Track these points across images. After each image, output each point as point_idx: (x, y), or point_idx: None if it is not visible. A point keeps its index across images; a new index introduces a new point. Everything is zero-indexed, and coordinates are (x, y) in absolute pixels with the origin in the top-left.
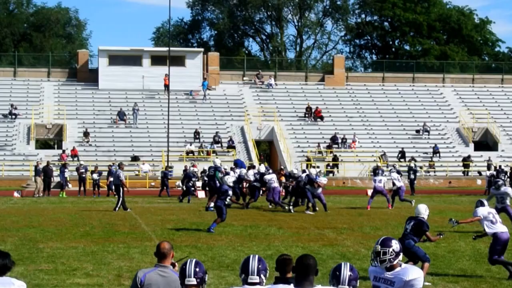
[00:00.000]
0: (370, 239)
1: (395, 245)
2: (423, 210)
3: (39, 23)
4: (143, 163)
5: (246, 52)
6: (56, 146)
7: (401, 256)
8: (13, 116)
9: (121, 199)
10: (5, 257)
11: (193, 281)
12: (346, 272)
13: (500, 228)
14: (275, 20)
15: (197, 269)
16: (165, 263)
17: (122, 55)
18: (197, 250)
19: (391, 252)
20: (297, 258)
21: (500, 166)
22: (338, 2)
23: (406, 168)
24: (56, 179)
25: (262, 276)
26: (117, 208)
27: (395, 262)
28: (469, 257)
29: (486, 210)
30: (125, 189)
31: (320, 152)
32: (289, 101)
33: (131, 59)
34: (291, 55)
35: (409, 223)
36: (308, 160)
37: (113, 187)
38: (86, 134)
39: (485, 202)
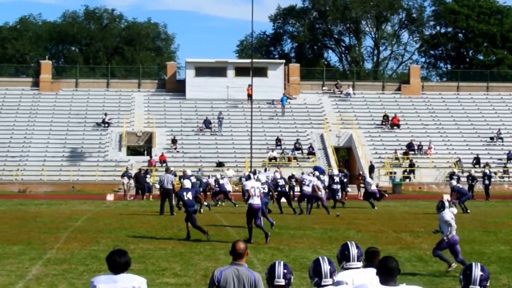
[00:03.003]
0: None
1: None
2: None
3: (130, 38)
4: (228, 169)
5: (325, 63)
6: (145, 153)
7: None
8: (106, 125)
9: (173, 202)
10: (125, 254)
11: (282, 281)
12: (477, 272)
13: None
14: (353, 32)
15: (285, 271)
16: (240, 261)
17: (208, 67)
18: (280, 252)
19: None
20: (380, 260)
21: None
22: (414, 15)
23: (481, 174)
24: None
25: (333, 277)
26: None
27: None
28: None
29: None
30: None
31: (397, 159)
32: (367, 110)
33: (216, 70)
34: (368, 65)
35: None
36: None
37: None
38: (174, 141)
39: None
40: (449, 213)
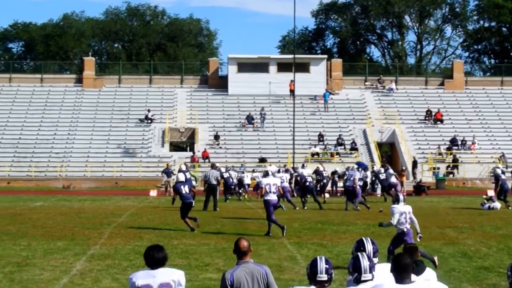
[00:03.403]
0: (491, 238)
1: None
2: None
3: (173, 34)
4: (270, 165)
5: (368, 58)
6: (188, 149)
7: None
8: (149, 121)
9: (217, 198)
10: (162, 250)
11: (324, 277)
12: (369, 246)
13: None
14: (396, 27)
15: (327, 266)
16: (246, 258)
17: (250, 63)
18: (323, 247)
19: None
20: (393, 258)
21: None
22: (457, 9)
23: None
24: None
25: (373, 272)
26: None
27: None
28: None
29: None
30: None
31: (440, 154)
32: (410, 105)
33: (259, 66)
34: (411, 60)
35: None
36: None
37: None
38: (216, 137)
39: None
40: (399, 208)
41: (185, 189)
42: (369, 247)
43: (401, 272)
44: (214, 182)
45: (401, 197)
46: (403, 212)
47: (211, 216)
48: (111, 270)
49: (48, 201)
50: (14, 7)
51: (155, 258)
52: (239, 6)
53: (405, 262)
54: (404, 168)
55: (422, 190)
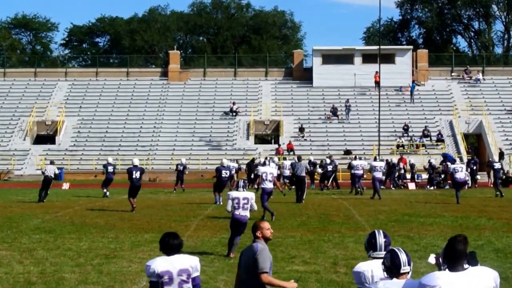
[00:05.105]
0: None
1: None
2: None
3: (257, 26)
4: (355, 157)
5: (454, 48)
6: (273, 141)
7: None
8: (234, 113)
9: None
10: (178, 237)
11: (407, 268)
12: (381, 239)
13: None
14: (483, 17)
15: (407, 257)
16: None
17: (335, 54)
18: (410, 240)
19: None
20: (447, 244)
21: None
22: None
23: None
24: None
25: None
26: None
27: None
28: None
29: None
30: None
31: None
32: (497, 96)
33: (343, 57)
34: (498, 50)
35: None
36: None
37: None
38: (301, 129)
39: None
40: (232, 194)
41: (136, 174)
42: (380, 239)
43: (455, 259)
44: (303, 174)
45: (240, 183)
46: (235, 197)
47: (297, 208)
48: None
49: None
50: (101, 2)
51: (171, 245)
52: None
53: (460, 249)
54: (490, 159)
55: (510, 182)
